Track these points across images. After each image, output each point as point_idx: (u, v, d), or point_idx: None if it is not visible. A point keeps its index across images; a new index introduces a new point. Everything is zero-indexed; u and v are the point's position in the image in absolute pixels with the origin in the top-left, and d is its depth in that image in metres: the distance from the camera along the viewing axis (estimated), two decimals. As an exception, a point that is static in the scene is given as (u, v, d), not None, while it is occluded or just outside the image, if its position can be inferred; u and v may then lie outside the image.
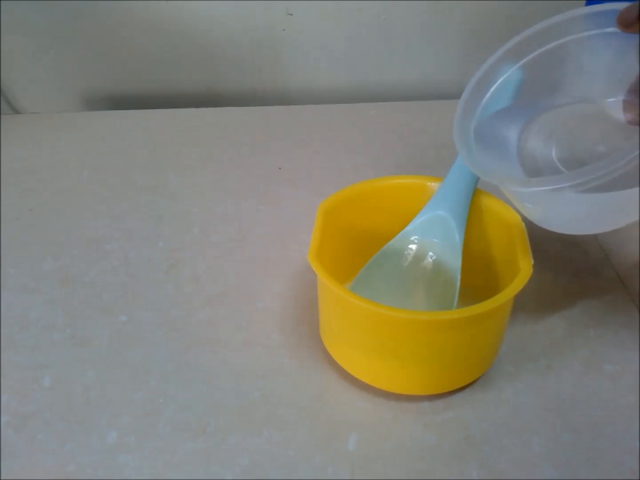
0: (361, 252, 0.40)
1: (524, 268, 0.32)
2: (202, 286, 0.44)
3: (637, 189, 0.28)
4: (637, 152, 0.25)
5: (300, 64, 0.69)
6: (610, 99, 0.34)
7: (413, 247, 0.40)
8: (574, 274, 0.44)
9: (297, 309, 0.41)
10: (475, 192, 0.38)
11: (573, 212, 0.32)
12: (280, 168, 0.57)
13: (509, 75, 0.35)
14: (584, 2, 0.51)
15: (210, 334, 0.40)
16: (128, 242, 0.48)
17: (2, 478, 0.32)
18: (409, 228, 0.39)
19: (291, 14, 0.65)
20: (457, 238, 0.38)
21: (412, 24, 0.66)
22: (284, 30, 0.66)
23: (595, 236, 0.47)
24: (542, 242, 0.45)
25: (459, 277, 0.37)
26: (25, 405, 0.36)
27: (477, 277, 0.40)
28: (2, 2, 0.63)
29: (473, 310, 0.30)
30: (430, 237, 0.39)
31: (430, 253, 0.39)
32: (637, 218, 0.30)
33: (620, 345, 0.38)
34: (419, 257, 0.40)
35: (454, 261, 0.38)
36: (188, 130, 0.63)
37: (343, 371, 0.36)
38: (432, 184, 0.39)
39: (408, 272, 0.40)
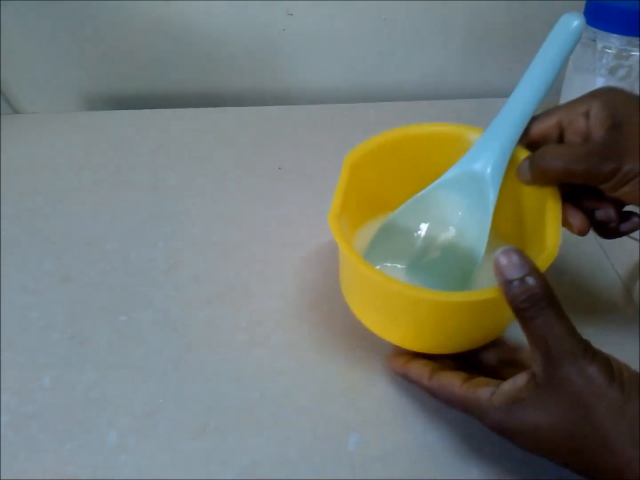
0: (386, 207, 0.37)
1: (550, 246, 0.29)
2: (202, 286, 0.44)
3: None
4: None
5: (300, 64, 0.69)
6: None
7: (437, 207, 0.36)
8: (574, 274, 0.44)
9: (297, 309, 0.42)
10: (514, 150, 0.34)
11: None
12: (280, 168, 0.57)
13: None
14: (584, 2, 0.51)
15: (210, 334, 0.40)
16: (128, 242, 0.48)
17: (2, 478, 0.32)
18: (437, 183, 0.35)
19: (291, 14, 0.65)
20: (491, 197, 0.34)
21: (412, 23, 0.66)
22: (284, 30, 0.66)
23: (595, 236, 0.47)
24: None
25: (485, 243, 0.34)
26: (25, 405, 0.36)
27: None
28: (2, 2, 0.63)
29: (486, 293, 0.28)
30: (460, 194, 0.35)
31: (459, 212, 0.35)
32: None
33: (620, 345, 0.38)
34: (441, 219, 0.36)
35: (482, 226, 0.34)
36: (188, 130, 0.63)
37: (343, 371, 0.37)
38: (472, 134, 0.35)
39: (427, 237, 0.37)
